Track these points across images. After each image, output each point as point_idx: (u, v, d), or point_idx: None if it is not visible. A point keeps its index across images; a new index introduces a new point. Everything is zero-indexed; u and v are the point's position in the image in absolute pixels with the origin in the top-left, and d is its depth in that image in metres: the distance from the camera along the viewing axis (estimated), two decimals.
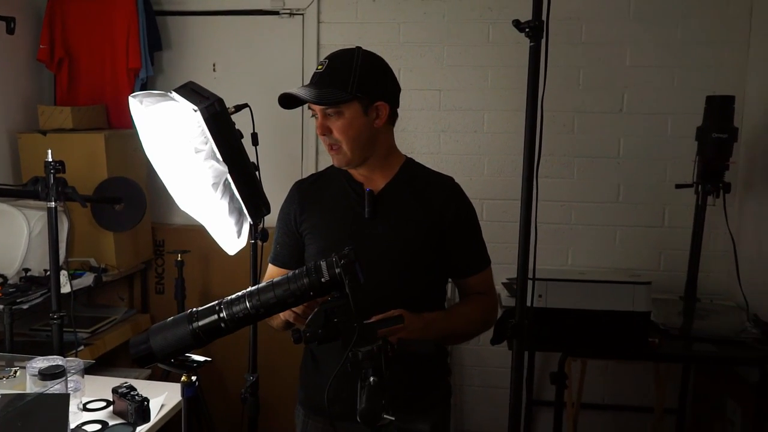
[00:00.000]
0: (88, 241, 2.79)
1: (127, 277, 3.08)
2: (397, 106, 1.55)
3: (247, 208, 1.68)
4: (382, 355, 1.09)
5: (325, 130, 1.48)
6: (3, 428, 1.50)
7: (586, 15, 2.91)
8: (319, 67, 1.48)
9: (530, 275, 1.50)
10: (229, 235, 1.74)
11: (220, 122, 1.57)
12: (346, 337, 1.11)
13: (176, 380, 1.20)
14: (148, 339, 1.13)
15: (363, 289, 1.11)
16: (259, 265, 1.78)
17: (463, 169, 3.01)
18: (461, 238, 1.57)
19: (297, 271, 1.14)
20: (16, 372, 1.84)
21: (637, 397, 3.04)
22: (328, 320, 1.13)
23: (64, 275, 2.28)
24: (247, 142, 1.68)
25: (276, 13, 3.12)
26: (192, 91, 1.58)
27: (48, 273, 2.27)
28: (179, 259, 2.88)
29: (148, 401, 1.75)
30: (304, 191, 1.63)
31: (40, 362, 1.73)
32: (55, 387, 1.65)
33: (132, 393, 1.75)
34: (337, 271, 1.10)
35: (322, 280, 1.11)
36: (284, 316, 1.39)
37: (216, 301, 1.15)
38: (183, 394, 1.18)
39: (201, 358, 1.17)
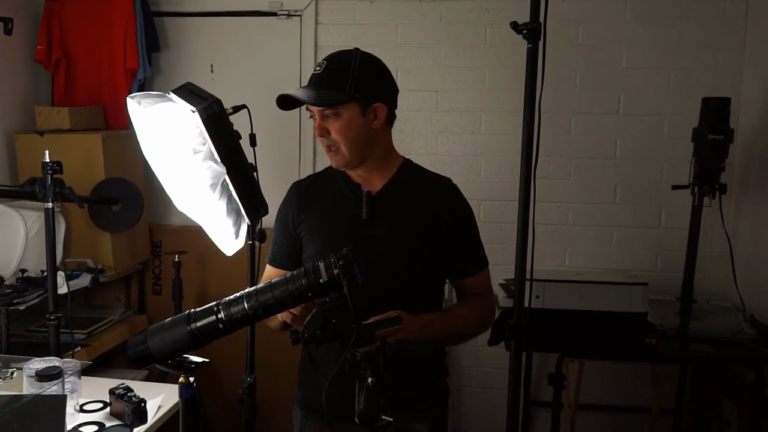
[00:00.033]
0: (85, 242, 2.79)
1: (125, 278, 3.07)
2: (395, 107, 1.56)
3: (245, 209, 1.68)
4: (381, 355, 1.09)
5: (323, 132, 1.48)
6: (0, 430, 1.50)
7: (583, 17, 2.92)
8: (317, 68, 1.48)
9: (528, 276, 1.51)
10: (227, 235, 1.74)
11: (219, 123, 1.57)
12: (345, 338, 1.11)
13: (173, 381, 1.20)
14: (146, 340, 1.13)
15: (361, 290, 1.11)
16: (257, 266, 1.78)
17: (460, 170, 3.01)
18: (459, 239, 1.57)
19: (295, 272, 1.14)
20: (12, 373, 1.83)
21: (634, 397, 3.05)
22: (326, 321, 1.13)
23: (61, 276, 2.27)
24: (245, 142, 1.68)
25: (274, 14, 3.12)
26: (190, 92, 1.58)
27: (45, 274, 2.26)
28: (176, 260, 2.88)
29: (145, 402, 1.75)
30: (302, 192, 1.63)
31: (37, 363, 1.72)
32: (52, 388, 1.65)
33: (129, 394, 1.75)
34: (336, 272, 1.10)
35: (321, 281, 1.11)
36: (282, 317, 1.39)
37: (214, 302, 1.14)
38: (181, 395, 1.18)
39: (199, 360, 1.18)
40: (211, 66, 3.19)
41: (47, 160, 2.11)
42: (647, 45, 2.90)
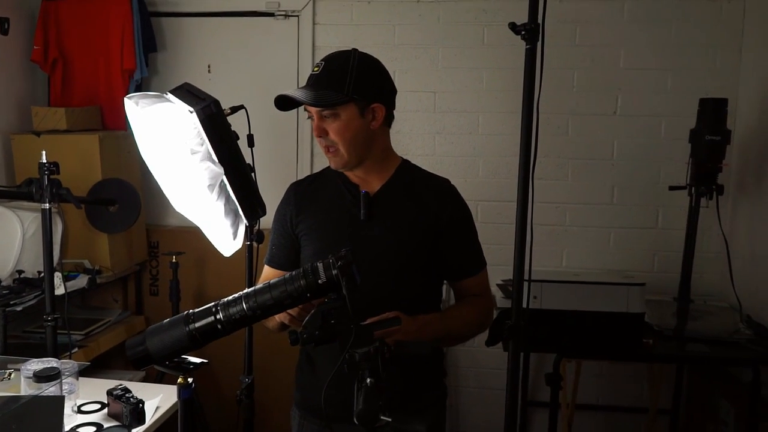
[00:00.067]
0: (82, 243, 2.78)
1: (122, 278, 3.06)
2: (394, 107, 1.56)
3: (242, 210, 1.67)
4: (379, 356, 1.09)
5: (322, 132, 1.48)
6: None
7: (581, 17, 2.93)
8: (315, 68, 1.48)
9: (526, 276, 1.51)
10: (225, 236, 1.73)
11: (217, 124, 1.57)
12: (343, 339, 1.11)
13: (171, 382, 1.20)
14: (145, 341, 1.13)
15: (359, 291, 1.11)
16: (255, 267, 1.78)
17: (458, 171, 3.01)
18: (457, 240, 1.57)
19: (294, 272, 1.14)
20: (10, 374, 1.83)
21: (632, 397, 3.06)
22: (325, 322, 1.13)
23: (58, 277, 2.27)
24: (242, 143, 1.68)
25: (271, 14, 3.12)
26: (188, 93, 1.58)
27: (42, 275, 2.26)
28: (174, 260, 2.87)
29: (143, 403, 1.74)
30: (301, 193, 1.63)
31: (35, 364, 1.72)
32: (50, 389, 1.64)
33: (127, 395, 1.74)
34: (334, 272, 1.10)
35: (319, 281, 1.11)
36: (279, 318, 1.39)
37: (212, 303, 1.14)
38: (179, 396, 1.18)
39: (197, 360, 1.17)
40: (209, 66, 3.19)
41: (44, 160, 2.10)
42: (645, 46, 2.91)
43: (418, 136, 3.07)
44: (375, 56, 1.52)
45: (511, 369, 1.51)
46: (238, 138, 1.65)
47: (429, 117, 3.06)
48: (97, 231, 2.72)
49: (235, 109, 1.67)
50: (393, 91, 1.55)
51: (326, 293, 1.13)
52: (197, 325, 1.12)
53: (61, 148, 2.62)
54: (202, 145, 1.58)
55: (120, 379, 1.97)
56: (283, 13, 3.10)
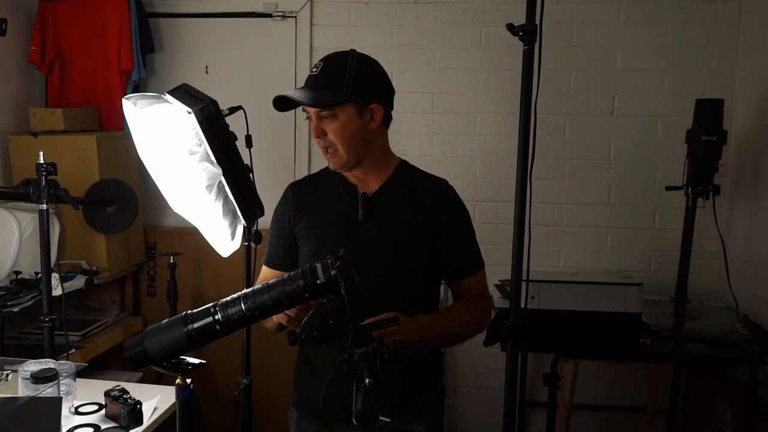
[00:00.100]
0: (79, 244, 2.78)
1: (119, 279, 3.06)
2: (392, 108, 1.56)
3: (241, 211, 1.67)
4: (378, 356, 1.09)
5: (320, 133, 1.48)
6: None
7: (577, 19, 2.93)
8: (314, 69, 1.48)
9: (524, 277, 1.51)
10: (223, 237, 1.73)
11: (215, 124, 1.57)
12: (342, 339, 1.11)
13: (169, 383, 1.20)
14: (143, 341, 1.13)
15: (358, 291, 1.11)
16: (253, 268, 1.78)
17: (455, 172, 3.02)
18: (455, 241, 1.57)
19: (292, 273, 1.14)
20: (7, 375, 1.82)
21: (629, 397, 3.06)
22: (323, 322, 1.13)
23: (55, 278, 2.26)
24: (240, 144, 1.68)
25: (269, 15, 3.12)
26: (186, 93, 1.58)
27: (39, 275, 2.26)
28: (171, 261, 2.87)
29: (140, 404, 1.74)
30: (299, 193, 1.63)
31: (32, 365, 1.71)
32: (47, 390, 1.64)
33: (124, 396, 1.74)
34: (333, 273, 1.10)
35: (318, 282, 1.11)
36: (277, 318, 1.39)
37: (211, 304, 1.14)
38: (178, 397, 1.17)
39: (196, 361, 1.17)
40: (206, 67, 3.18)
41: (41, 161, 2.10)
42: (641, 47, 2.92)
43: (416, 136, 3.07)
44: (372, 57, 1.53)
45: (510, 369, 1.52)
46: (236, 139, 1.65)
47: (426, 118, 3.07)
48: (94, 232, 2.72)
49: (233, 110, 1.67)
50: (391, 91, 1.55)
51: (325, 294, 1.13)
52: (196, 325, 1.12)
53: (58, 149, 2.61)
54: (200, 145, 1.58)
55: (117, 380, 1.97)
56: (281, 14, 3.10)
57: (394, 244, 1.51)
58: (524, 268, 1.51)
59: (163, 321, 1.15)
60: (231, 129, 1.64)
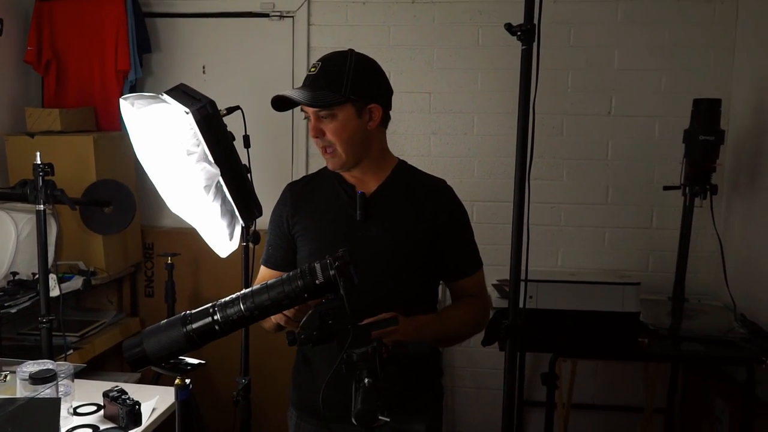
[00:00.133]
0: (76, 245, 2.77)
1: (117, 280, 3.05)
2: (390, 108, 1.56)
3: (239, 211, 1.67)
4: (377, 356, 1.09)
5: (318, 133, 1.48)
6: None
7: (575, 18, 2.94)
8: (312, 69, 1.48)
9: (522, 276, 1.51)
10: (221, 237, 1.73)
11: (213, 124, 1.57)
12: (341, 339, 1.11)
13: (167, 383, 1.20)
14: (142, 342, 1.13)
15: (357, 291, 1.11)
16: (251, 268, 1.78)
17: (453, 172, 3.02)
18: (454, 240, 1.57)
19: (291, 273, 1.14)
20: (6, 376, 1.82)
21: (627, 396, 3.07)
22: (322, 322, 1.13)
23: (52, 279, 2.26)
24: (238, 144, 1.68)
25: (266, 15, 3.12)
26: (183, 93, 1.58)
27: (36, 276, 2.25)
28: (169, 262, 2.87)
29: (139, 405, 1.74)
30: (297, 193, 1.63)
31: (31, 366, 1.71)
32: (45, 391, 1.64)
33: (123, 397, 1.74)
34: (332, 273, 1.10)
35: (317, 282, 1.11)
36: (276, 319, 1.39)
37: (210, 304, 1.14)
38: (177, 397, 1.17)
39: (195, 361, 1.17)
40: (203, 67, 3.18)
41: (38, 161, 2.09)
42: (639, 47, 2.92)
43: (414, 136, 3.07)
44: (370, 57, 1.53)
45: (508, 369, 1.52)
46: (233, 139, 1.65)
47: (424, 118, 3.07)
48: (91, 232, 2.71)
49: (231, 110, 1.67)
50: (390, 91, 1.55)
51: (324, 294, 1.13)
52: (194, 326, 1.12)
53: (55, 150, 2.60)
54: (198, 145, 1.58)
55: (116, 381, 1.97)
56: (278, 13, 3.10)
57: (392, 244, 1.51)
58: (522, 267, 1.51)
59: (162, 321, 1.15)
60: (229, 129, 1.64)
